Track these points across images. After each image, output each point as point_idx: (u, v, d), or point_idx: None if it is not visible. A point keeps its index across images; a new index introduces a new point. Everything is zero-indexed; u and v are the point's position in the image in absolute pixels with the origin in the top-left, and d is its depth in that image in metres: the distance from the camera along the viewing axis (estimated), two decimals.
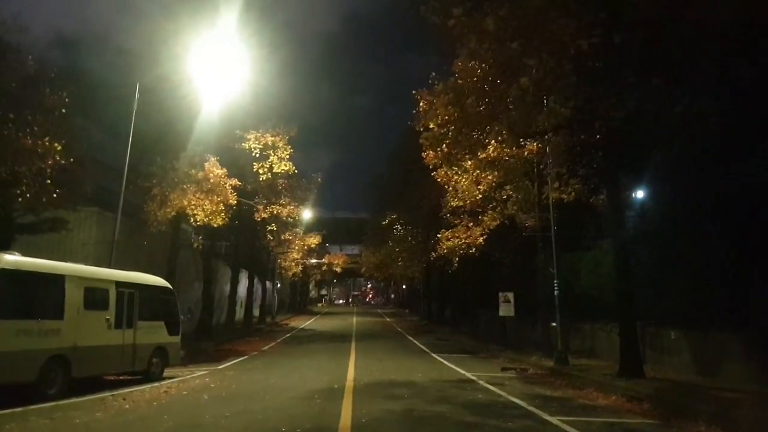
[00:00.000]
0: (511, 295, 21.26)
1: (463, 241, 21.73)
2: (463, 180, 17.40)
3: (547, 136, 11.78)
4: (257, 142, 20.70)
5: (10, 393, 8.97)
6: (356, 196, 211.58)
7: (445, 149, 11.78)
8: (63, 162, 12.58)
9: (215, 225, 18.81)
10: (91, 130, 22.27)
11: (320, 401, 10.01)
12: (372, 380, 13.08)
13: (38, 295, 10.24)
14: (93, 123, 22.15)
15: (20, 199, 13.00)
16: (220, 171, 18.58)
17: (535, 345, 20.07)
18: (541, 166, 14.69)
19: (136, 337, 12.48)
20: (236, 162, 21.63)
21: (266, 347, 22.90)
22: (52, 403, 9.26)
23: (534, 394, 11.24)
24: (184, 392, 11.32)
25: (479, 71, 10.10)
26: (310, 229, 45.14)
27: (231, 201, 18.93)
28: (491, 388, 12.14)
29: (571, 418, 8.65)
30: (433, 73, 12.09)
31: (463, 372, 15.06)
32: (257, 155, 21.02)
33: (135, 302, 12.56)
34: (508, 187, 17.57)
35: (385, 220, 39.37)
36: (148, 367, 12.93)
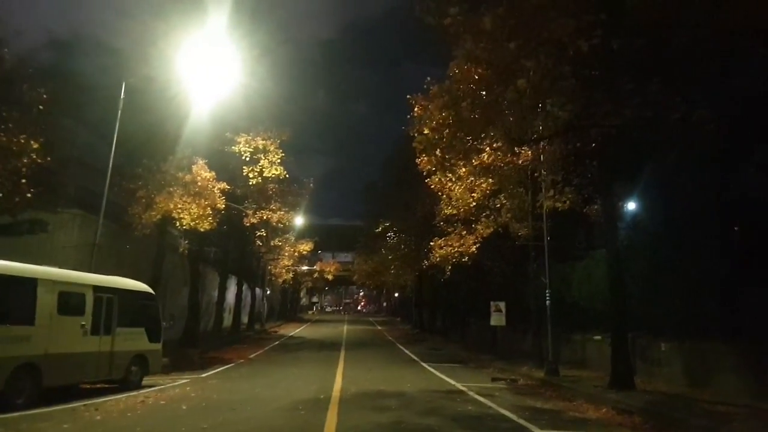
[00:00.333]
0: (502, 305, 21.02)
1: (456, 249, 21.41)
2: (457, 187, 17.11)
3: (542, 143, 11.50)
4: (248, 145, 20.27)
5: None
6: (350, 203, 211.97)
7: (439, 154, 11.48)
8: (39, 161, 12.10)
9: (202, 229, 18.35)
10: (79, 131, 21.89)
11: (304, 413, 9.65)
12: (360, 390, 12.73)
13: (7, 300, 9.74)
14: (80, 124, 21.75)
15: None
16: (208, 174, 18.16)
17: (525, 355, 19.80)
18: (535, 174, 14.43)
19: (113, 344, 12.03)
20: (226, 166, 21.23)
21: (253, 355, 22.46)
22: (19, 414, 8.85)
23: (524, 406, 10.94)
24: (162, 402, 10.87)
25: (475, 74, 9.80)
26: (303, 235, 44.72)
27: (219, 205, 18.50)
28: (481, 399, 11.82)
29: None
30: (429, 78, 11.79)
31: (453, 382, 14.72)
32: (247, 159, 20.61)
33: (114, 308, 12.12)
34: (502, 195, 17.32)
35: (378, 228, 39.03)
36: (126, 376, 12.47)
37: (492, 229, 18.24)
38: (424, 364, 19.64)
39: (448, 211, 20.25)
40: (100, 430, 8.19)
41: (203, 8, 18.12)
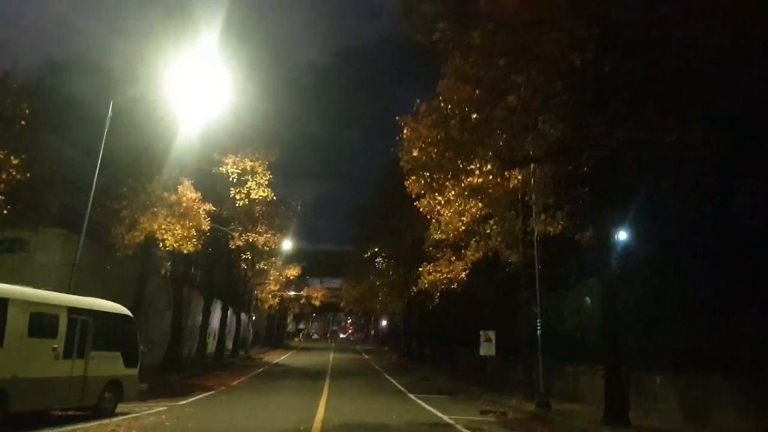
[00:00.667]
0: (492, 334, 20.61)
1: (445, 275, 21.11)
2: (446, 211, 16.88)
3: (533, 166, 11.31)
4: (235, 166, 20.03)
5: None
6: (340, 229, 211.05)
7: (428, 175, 11.26)
8: (19, 177, 11.73)
9: (186, 251, 17.93)
10: (65, 149, 21.54)
11: None
12: (342, 422, 12.28)
13: None
14: (67, 143, 21.43)
15: None
16: (193, 194, 17.82)
17: (516, 386, 19.37)
18: (526, 198, 14.23)
19: (87, 369, 11.45)
20: (213, 187, 20.93)
21: (236, 382, 21.79)
22: None
23: None
24: (133, 431, 10.34)
25: (464, 93, 9.64)
26: (291, 260, 44.20)
27: (204, 226, 18.13)
28: None
29: None
30: (418, 100, 11.62)
31: (440, 415, 14.26)
32: (235, 180, 20.33)
33: (89, 330, 11.60)
34: (491, 221, 17.08)
35: (366, 253, 38.67)
36: (99, 402, 11.84)
37: (482, 253, 17.90)
38: (410, 395, 19.12)
39: (437, 236, 20.02)
40: None
41: (194, 27, 18.14)
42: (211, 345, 35.27)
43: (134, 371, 13.10)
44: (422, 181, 11.73)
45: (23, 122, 12.14)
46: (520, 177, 12.12)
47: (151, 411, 13.11)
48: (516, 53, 9.02)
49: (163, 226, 16.86)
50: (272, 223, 25.98)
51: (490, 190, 12.05)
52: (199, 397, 16.54)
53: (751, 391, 10.73)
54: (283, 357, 43.42)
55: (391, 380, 25.86)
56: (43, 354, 10.36)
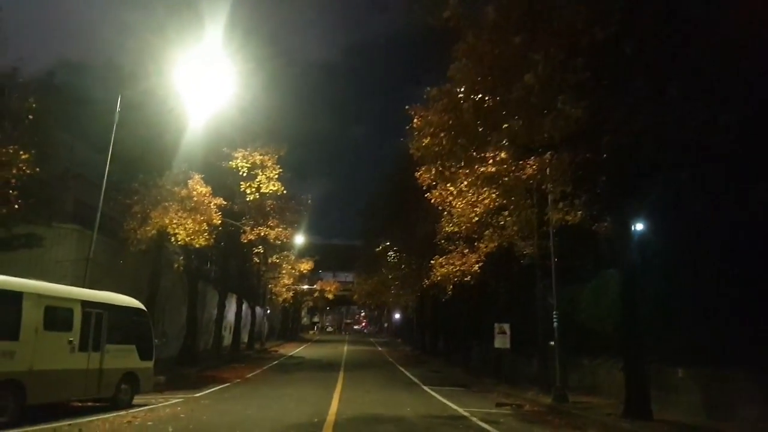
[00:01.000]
0: (507, 327, 20.44)
1: (458, 268, 20.89)
2: (459, 202, 16.61)
3: (548, 154, 10.96)
4: (245, 160, 20.01)
5: None
6: (351, 223, 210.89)
7: (439, 164, 11.00)
8: (28, 172, 11.77)
9: (197, 245, 17.98)
10: (78, 145, 21.71)
11: None
12: (356, 414, 12.20)
13: None
14: (80, 139, 21.59)
15: None
16: (204, 189, 17.84)
17: (531, 379, 19.18)
18: (543, 187, 13.89)
19: (102, 362, 11.55)
20: (224, 181, 20.95)
21: (251, 374, 21.88)
22: None
23: None
24: (149, 423, 10.36)
25: (477, 75, 9.30)
26: (303, 254, 44.32)
27: (215, 221, 18.15)
28: (485, 426, 11.26)
29: None
30: (428, 88, 11.32)
31: (455, 407, 14.14)
32: (245, 174, 20.31)
33: (103, 324, 11.68)
34: (505, 212, 16.79)
35: (378, 247, 38.58)
36: (116, 394, 11.98)
37: (496, 244, 17.54)
38: (424, 387, 19.04)
39: (450, 228, 19.79)
40: None
41: (200, 22, 18.09)
42: (227, 338, 35.52)
43: (149, 364, 13.19)
44: (434, 171, 11.46)
45: (30, 117, 12.14)
46: (535, 166, 11.72)
47: (167, 402, 13.18)
48: (533, 29, 8.64)
49: (175, 221, 16.91)
50: (283, 217, 25.98)
51: (506, 179, 11.69)
52: (214, 389, 16.60)
53: None
54: (297, 349, 43.58)
55: (405, 372, 25.80)
56: (59, 347, 10.44)
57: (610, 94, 9.23)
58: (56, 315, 10.45)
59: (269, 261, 33.20)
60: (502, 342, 20.47)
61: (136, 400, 12.74)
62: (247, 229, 23.30)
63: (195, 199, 17.32)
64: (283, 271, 38.67)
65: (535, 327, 19.01)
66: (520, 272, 20.21)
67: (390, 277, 38.09)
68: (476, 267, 20.20)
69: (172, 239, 17.95)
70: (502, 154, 11.54)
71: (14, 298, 9.56)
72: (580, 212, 13.08)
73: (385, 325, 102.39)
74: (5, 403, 9.18)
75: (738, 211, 12.39)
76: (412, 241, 32.29)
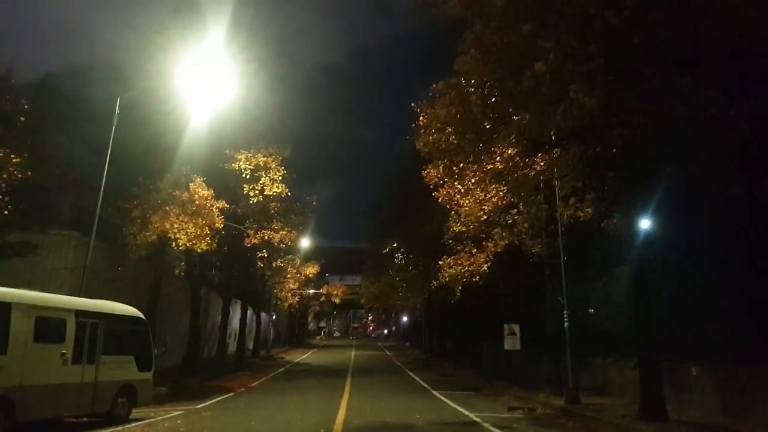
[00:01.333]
0: (517, 328, 19.96)
1: (466, 268, 20.36)
2: (466, 201, 16.14)
3: (557, 150, 10.51)
4: (248, 162, 19.54)
5: None
6: (358, 227, 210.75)
7: (446, 161, 10.54)
8: (20, 176, 11.35)
9: (199, 250, 17.51)
10: (77, 149, 21.30)
11: None
12: (364, 423, 11.76)
13: None
14: (79, 143, 21.19)
15: None
16: (206, 192, 17.38)
17: (542, 381, 18.68)
18: (552, 183, 13.42)
19: (98, 374, 11.08)
20: (226, 184, 20.49)
21: (256, 383, 21.43)
22: None
23: None
24: None
25: (485, 67, 8.84)
26: (309, 258, 43.83)
27: (217, 225, 17.69)
28: None
29: None
30: (434, 85, 10.89)
31: (466, 412, 13.65)
32: (248, 176, 19.84)
33: (99, 334, 11.22)
34: (514, 211, 16.32)
35: (385, 249, 38.11)
36: (113, 408, 11.47)
37: (506, 242, 17.05)
38: (434, 392, 18.54)
39: (457, 228, 19.36)
40: None
41: (202, 22, 17.73)
42: (232, 345, 35.06)
43: (148, 375, 12.71)
44: (441, 167, 11.02)
45: (22, 119, 11.72)
46: (544, 162, 11.28)
47: (167, 415, 12.73)
48: (543, 15, 8.20)
49: (176, 225, 16.45)
50: (288, 219, 25.47)
51: (515, 175, 11.23)
52: (217, 399, 16.16)
53: None
54: (304, 356, 43.14)
55: (414, 377, 25.32)
56: (51, 360, 10.00)
57: (622, 83, 8.77)
58: (47, 326, 10.00)
59: (274, 265, 32.72)
60: (512, 343, 19.99)
61: (135, 413, 12.26)
62: (251, 232, 22.82)
63: (197, 202, 16.87)
64: (289, 276, 38.21)
65: (544, 327, 18.54)
66: (528, 272, 19.73)
67: (397, 279, 37.62)
68: (485, 267, 19.69)
69: (173, 244, 17.49)
70: (510, 151, 11.11)
71: (2, 309, 9.12)
72: (589, 209, 12.60)
73: (393, 328, 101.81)
74: None
75: (751, 205, 11.91)
76: (419, 242, 31.82)
